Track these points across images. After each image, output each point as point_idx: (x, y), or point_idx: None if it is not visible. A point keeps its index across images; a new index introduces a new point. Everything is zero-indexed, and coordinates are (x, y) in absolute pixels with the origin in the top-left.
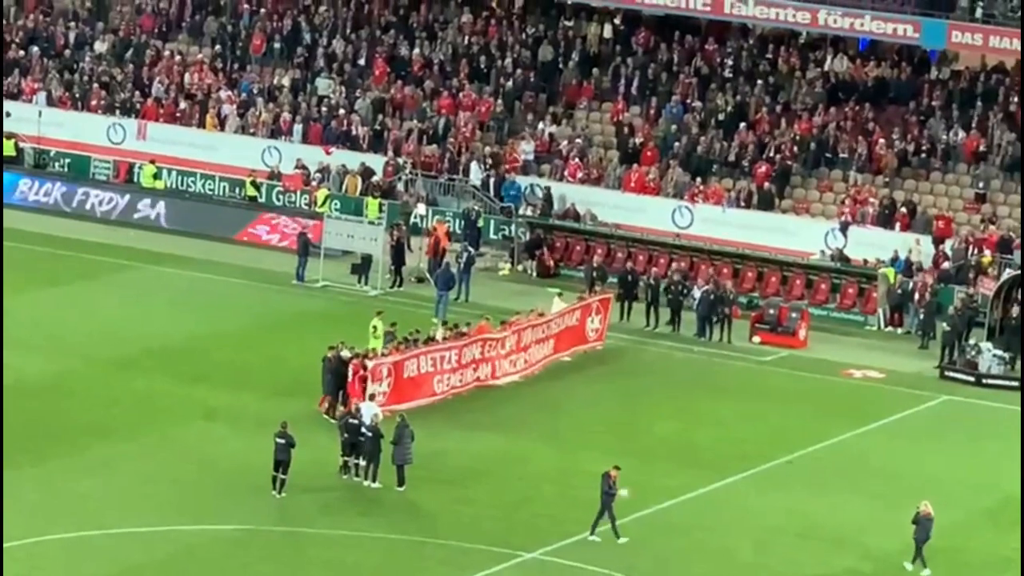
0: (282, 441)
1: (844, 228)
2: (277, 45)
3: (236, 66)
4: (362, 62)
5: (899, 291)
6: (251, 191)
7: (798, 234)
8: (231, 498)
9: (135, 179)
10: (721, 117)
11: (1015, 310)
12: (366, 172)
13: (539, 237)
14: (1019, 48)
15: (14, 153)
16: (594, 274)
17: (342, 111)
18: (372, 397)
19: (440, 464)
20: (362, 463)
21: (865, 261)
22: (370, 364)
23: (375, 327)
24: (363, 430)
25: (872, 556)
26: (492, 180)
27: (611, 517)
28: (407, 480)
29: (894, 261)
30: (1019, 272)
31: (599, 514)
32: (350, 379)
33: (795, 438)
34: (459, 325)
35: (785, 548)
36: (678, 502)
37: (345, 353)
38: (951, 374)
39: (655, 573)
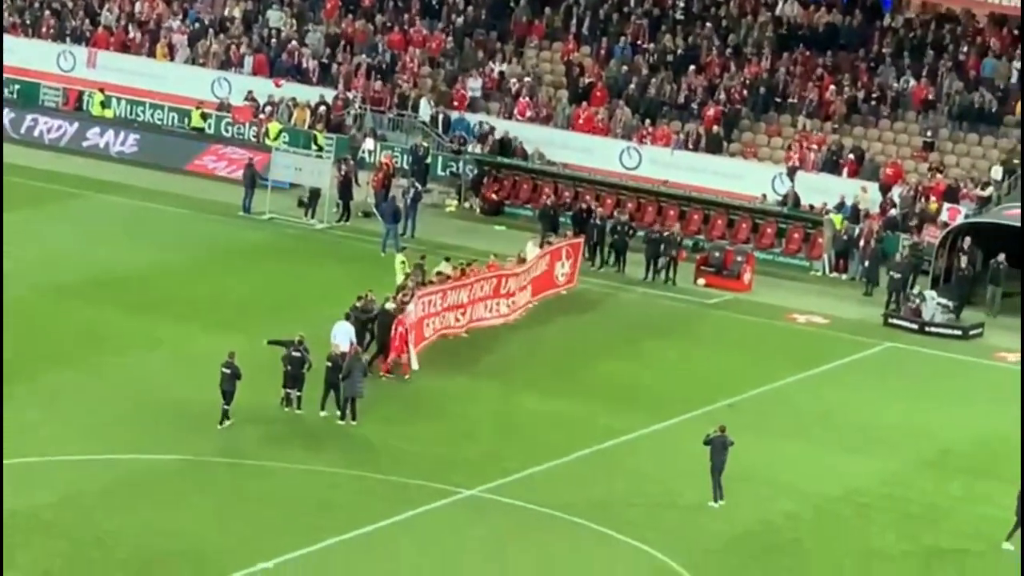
0: (228, 371)
1: (792, 173)
2: None
3: None
4: None
5: (845, 237)
6: (198, 122)
7: (745, 178)
8: (173, 428)
9: (84, 107)
10: (671, 59)
11: (963, 260)
12: (318, 105)
13: (483, 172)
14: None
15: None
16: (551, 213)
17: (293, 44)
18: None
19: (384, 401)
20: (295, 394)
21: (812, 207)
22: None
23: (403, 262)
24: (306, 360)
25: (811, 501)
26: (441, 116)
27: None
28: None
29: (840, 207)
30: (966, 221)
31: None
32: (393, 333)
33: (737, 382)
34: (472, 263)
35: (726, 491)
36: (619, 443)
37: (390, 305)
38: (895, 321)
39: (593, 513)
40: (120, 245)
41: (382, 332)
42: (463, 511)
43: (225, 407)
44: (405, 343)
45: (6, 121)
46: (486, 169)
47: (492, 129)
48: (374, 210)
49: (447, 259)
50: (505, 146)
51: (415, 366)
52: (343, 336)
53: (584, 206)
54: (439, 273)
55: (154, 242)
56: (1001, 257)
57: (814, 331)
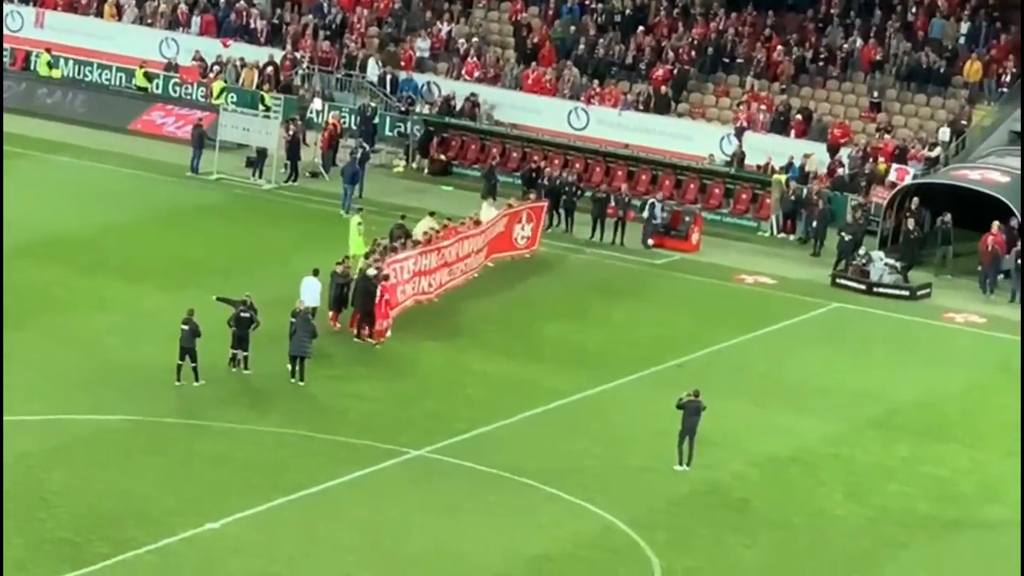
0: (187, 328)
1: (739, 133)
2: None
3: None
4: None
5: (792, 198)
6: (142, 81)
7: (693, 138)
8: (121, 389)
9: (32, 67)
10: (619, 19)
11: (911, 222)
12: (266, 65)
13: (429, 133)
14: None
15: None
16: (492, 174)
17: (241, 3)
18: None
19: (332, 360)
20: (242, 354)
21: (759, 167)
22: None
23: (359, 223)
24: (253, 320)
25: (758, 461)
26: (388, 77)
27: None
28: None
29: (788, 167)
30: (914, 182)
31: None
32: (378, 300)
33: (685, 342)
34: (448, 222)
35: (673, 451)
36: (567, 403)
37: (371, 271)
38: (842, 282)
39: (541, 473)
40: (68, 205)
41: (365, 298)
42: (411, 472)
43: (186, 364)
44: (390, 308)
45: None
46: (431, 130)
47: (473, 95)
48: (321, 170)
49: (432, 214)
50: (467, 109)
51: (388, 332)
52: (309, 293)
53: (533, 166)
54: (424, 233)
55: (102, 202)
56: (947, 217)
57: (762, 291)
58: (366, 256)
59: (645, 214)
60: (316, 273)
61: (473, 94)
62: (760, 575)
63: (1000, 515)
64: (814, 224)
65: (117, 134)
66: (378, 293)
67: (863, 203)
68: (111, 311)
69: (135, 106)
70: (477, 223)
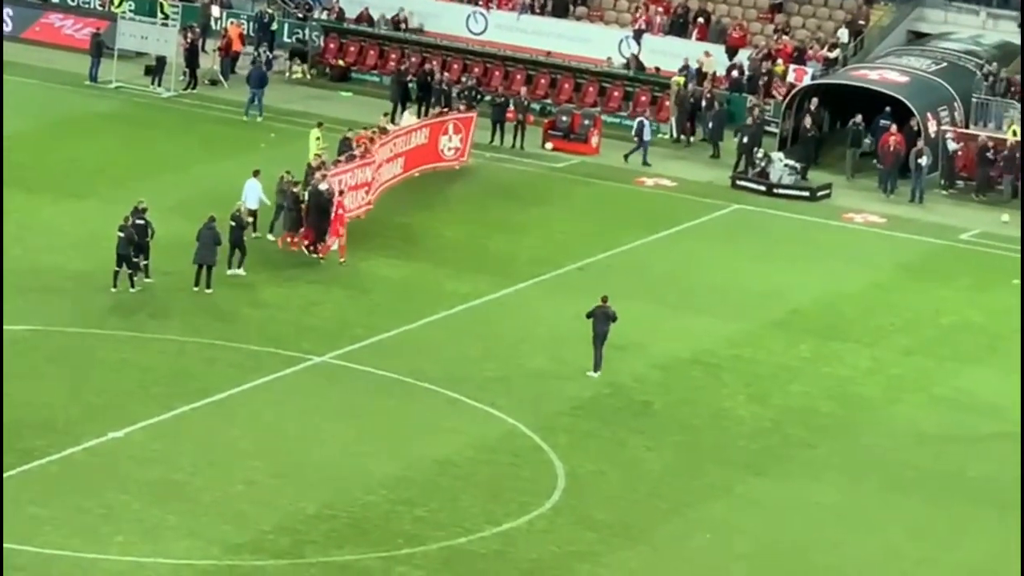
0: (122, 235)
1: (638, 36)
2: None
3: None
4: None
5: (691, 100)
6: None
7: (592, 41)
8: (20, 298)
9: None
10: None
11: (809, 121)
12: None
13: (302, 42)
14: None
15: None
16: (403, 80)
17: None
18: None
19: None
20: (142, 262)
21: (658, 69)
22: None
23: (318, 138)
24: (149, 227)
25: (660, 364)
26: None
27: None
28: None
29: (684, 69)
30: (813, 82)
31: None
32: (332, 216)
33: (586, 245)
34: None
35: (575, 354)
36: (469, 307)
37: (323, 186)
38: (742, 183)
39: (443, 378)
40: None
41: (319, 214)
42: (314, 378)
43: (118, 270)
44: (342, 225)
45: None
46: (300, 39)
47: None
48: (220, 77)
49: (386, 115)
50: (397, 26)
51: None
52: (252, 195)
53: (428, 68)
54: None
55: None
56: (859, 119)
57: (662, 194)
58: (308, 171)
59: (634, 133)
60: (257, 174)
61: (401, 9)
62: (663, 477)
63: (902, 414)
64: (710, 125)
65: (13, 43)
66: (332, 209)
67: (759, 103)
68: (9, 221)
69: (31, 14)
70: (384, 131)
